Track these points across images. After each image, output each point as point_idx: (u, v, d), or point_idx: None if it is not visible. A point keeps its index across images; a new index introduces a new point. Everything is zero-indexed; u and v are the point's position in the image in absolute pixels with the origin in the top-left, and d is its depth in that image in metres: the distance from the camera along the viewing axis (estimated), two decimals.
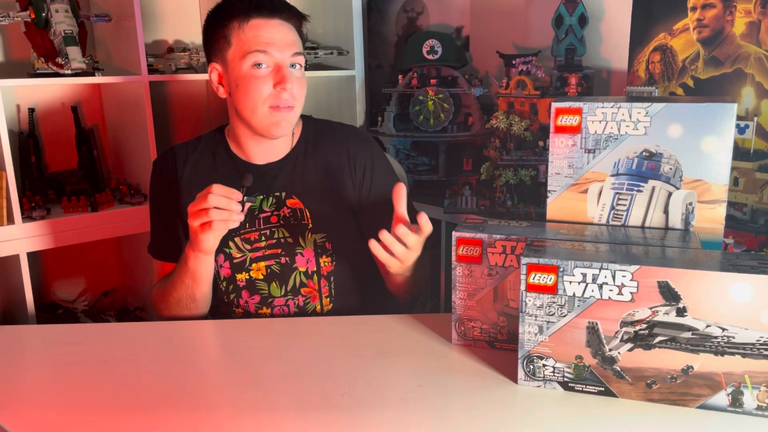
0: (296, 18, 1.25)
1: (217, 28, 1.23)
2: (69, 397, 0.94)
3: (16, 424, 0.87)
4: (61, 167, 2.04)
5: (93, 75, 1.79)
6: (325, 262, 1.28)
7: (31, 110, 1.94)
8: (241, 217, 1.11)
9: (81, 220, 1.79)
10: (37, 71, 1.78)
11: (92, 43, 2.05)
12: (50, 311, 2.03)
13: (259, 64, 1.19)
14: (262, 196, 1.29)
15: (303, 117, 1.38)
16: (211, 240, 1.13)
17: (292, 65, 1.22)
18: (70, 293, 2.16)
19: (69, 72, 1.72)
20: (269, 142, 1.28)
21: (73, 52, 1.72)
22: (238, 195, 1.10)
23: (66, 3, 1.77)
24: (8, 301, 1.84)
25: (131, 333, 1.22)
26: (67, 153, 2.04)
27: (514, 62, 1.83)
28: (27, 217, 1.72)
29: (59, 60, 1.73)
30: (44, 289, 2.10)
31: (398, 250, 1.06)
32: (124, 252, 2.19)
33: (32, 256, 1.83)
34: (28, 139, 1.93)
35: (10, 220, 1.67)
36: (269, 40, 1.19)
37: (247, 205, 1.13)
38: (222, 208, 1.09)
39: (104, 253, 2.18)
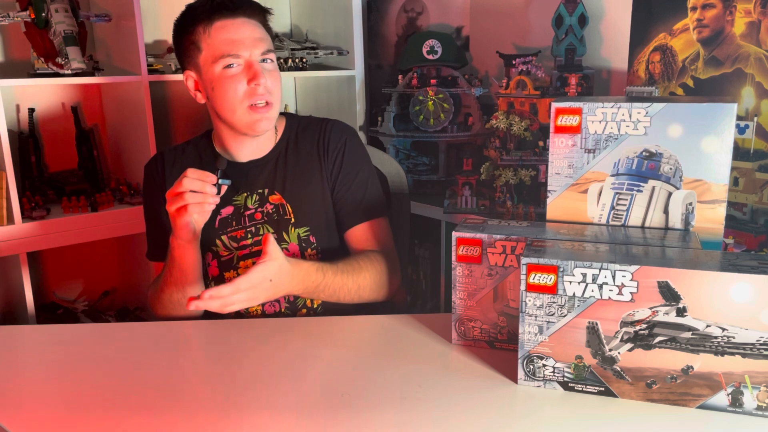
0: (259, 13, 1.27)
1: (184, 35, 1.25)
2: (69, 397, 0.94)
3: (16, 424, 0.87)
4: (61, 167, 2.04)
5: (93, 75, 1.79)
6: (310, 255, 1.29)
7: (31, 110, 1.94)
8: (217, 200, 1.14)
9: (81, 220, 1.79)
10: (37, 71, 1.78)
11: (92, 43, 2.05)
12: (50, 311, 2.03)
13: (230, 65, 1.21)
14: (246, 194, 1.30)
15: (287, 115, 1.40)
16: (189, 225, 1.15)
17: (263, 60, 1.24)
18: (70, 293, 2.16)
19: (69, 72, 1.72)
20: (252, 140, 1.30)
21: (73, 52, 1.72)
22: (212, 178, 1.13)
23: (66, 3, 1.77)
24: (8, 301, 1.84)
25: (131, 333, 1.22)
26: (67, 153, 2.04)
27: (514, 62, 1.83)
28: (27, 217, 1.72)
29: (59, 60, 1.73)
30: (44, 289, 2.10)
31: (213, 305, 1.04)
32: (124, 252, 2.19)
33: (32, 256, 1.83)
34: (28, 139, 1.93)
35: (10, 220, 1.67)
36: (237, 41, 1.21)
37: (223, 187, 1.15)
38: (197, 191, 1.11)
39: (104, 253, 2.18)
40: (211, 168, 1.15)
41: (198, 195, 1.11)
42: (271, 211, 1.29)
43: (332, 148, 1.32)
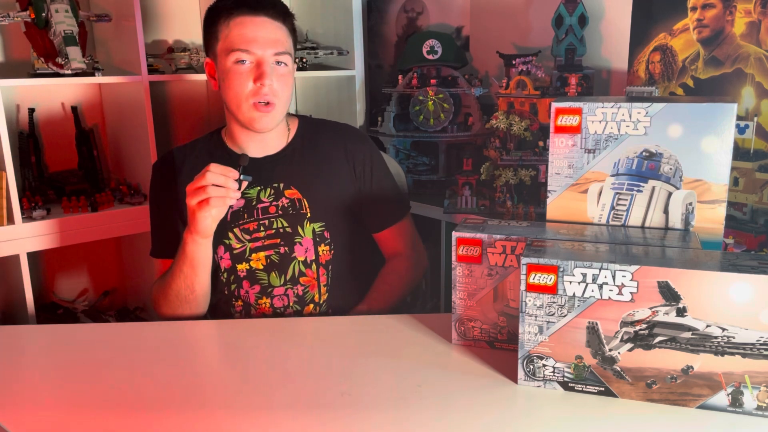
0: (282, 15, 1.28)
1: (209, 25, 1.29)
2: (69, 397, 0.94)
3: (16, 424, 0.87)
4: (61, 167, 2.04)
5: (93, 75, 1.79)
6: (323, 250, 1.31)
7: (31, 110, 1.94)
8: (238, 195, 1.15)
9: (81, 220, 1.79)
10: (37, 71, 1.77)
11: (92, 43, 2.05)
12: (50, 311, 2.03)
13: (242, 60, 1.23)
14: (260, 188, 1.31)
15: (299, 116, 1.42)
16: (208, 219, 1.16)
17: (278, 62, 1.26)
18: (70, 293, 2.16)
19: (69, 72, 1.72)
20: (262, 136, 1.32)
21: (73, 52, 1.72)
22: (234, 173, 1.15)
23: (66, 3, 1.77)
24: (8, 301, 1.84)
25: (131, 333, 1.22)
26: (67, 153, 2.04)
27: (514, 62, 1.82)
28: (27, 217, 1.72)
29: (59, 60, 1.73)
30: (44, 289, 2.10)
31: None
32: (124, 252, 2.19)
33: (32, 256, 1.83)
34: (28, 139, 1.93)
35: (10, 220, 1.67)
36: (252, 38, 1.23)
37: (244, 183, 1.17)
38: (219, 185, 1.13)
39: (104, 253, 2.18)
40: (224, 164, 1.16)
41: (220, 189, 1.13)
42: (286, 205, 1.31)
43: (359, 152, 1.38)
